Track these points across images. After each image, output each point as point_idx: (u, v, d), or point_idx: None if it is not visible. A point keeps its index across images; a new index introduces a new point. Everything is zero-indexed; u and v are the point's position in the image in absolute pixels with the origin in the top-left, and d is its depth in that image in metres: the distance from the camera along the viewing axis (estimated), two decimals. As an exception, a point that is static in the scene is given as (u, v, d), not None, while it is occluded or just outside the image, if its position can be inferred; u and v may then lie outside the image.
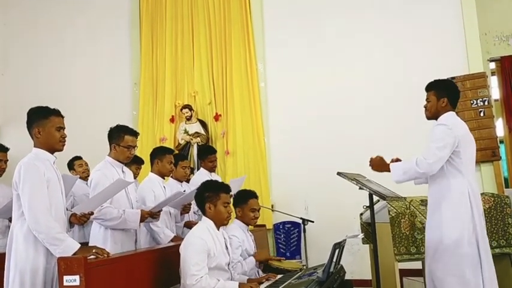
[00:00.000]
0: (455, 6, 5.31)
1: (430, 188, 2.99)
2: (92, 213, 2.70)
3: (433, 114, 3.03)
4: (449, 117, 2.97)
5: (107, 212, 2.89)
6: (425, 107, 3.08)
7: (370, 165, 3.07)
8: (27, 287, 2.37)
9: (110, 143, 3.20)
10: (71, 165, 4.86)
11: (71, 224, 2.65)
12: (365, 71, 5.55)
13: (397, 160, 3.03)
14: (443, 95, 2.99)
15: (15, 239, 2.43)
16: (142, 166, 4.67)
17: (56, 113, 2.59)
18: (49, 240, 2.34)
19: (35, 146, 2.57)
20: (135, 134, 3.21)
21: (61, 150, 2.62)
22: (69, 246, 2.33)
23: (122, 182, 2.85)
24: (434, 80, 3.09)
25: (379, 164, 3.03)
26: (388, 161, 3.02)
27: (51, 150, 2.58)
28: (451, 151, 2.84)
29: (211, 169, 4.64)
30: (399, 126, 5.24)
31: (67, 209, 2.68)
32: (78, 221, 2.63)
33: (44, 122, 2.54)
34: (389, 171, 2.96)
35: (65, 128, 2.62)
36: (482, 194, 3.64)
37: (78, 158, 4.90)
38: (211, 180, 3.13)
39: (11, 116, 7.07)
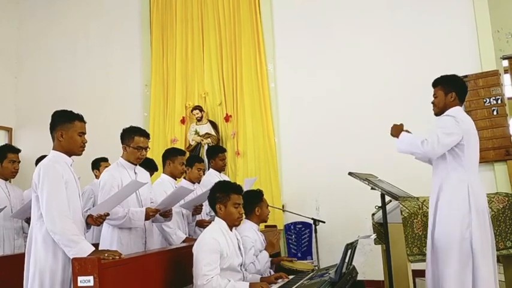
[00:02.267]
0: (467, 4, 5.25)
1: (432, 182, 2.99)
2: (108, 214, 2.73)
3: (441, 110, 3.02)
4: (458, 111, 2.96)
5: (113, 212, 2.92)
6: (433, 102, 3.07)
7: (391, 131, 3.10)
8: (46, 286, 2.40)
9: (122, 144, 3.23)
10: (96, 164, 4.86)
11: (88, 225, 2.69)
12: (375, 70, 5.52)
13: None
14: (451, 89, 3.00)
15: (34, 240, 2.47)
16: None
17: (80, 118, 2.65)
18: (63, 242, 2.38)
19: (54, 149, 2.61)
20: (145, 134, 3.22)
21: (80, 155, 2.67)
22: (83, 249, 2.36)
23: (135, 183, 2.87)
24: (441, 76, 3.08)
25: (397, 129, 3.07)
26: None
27: (70, 154, 2.63)
28: (455, 141, 2.84)
29: (222, 168, 4.61)
30: (410, 125, 5.14)
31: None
32: (95, 222, 2.66)
33: (67, 126, 2.58)
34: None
35: (86, 134, 2.66)
36: (496, 193, 3.62)
37: (105, 160, 4.89)
38: (224, 181, 3.14)
39: (24, 118, 7.18)
